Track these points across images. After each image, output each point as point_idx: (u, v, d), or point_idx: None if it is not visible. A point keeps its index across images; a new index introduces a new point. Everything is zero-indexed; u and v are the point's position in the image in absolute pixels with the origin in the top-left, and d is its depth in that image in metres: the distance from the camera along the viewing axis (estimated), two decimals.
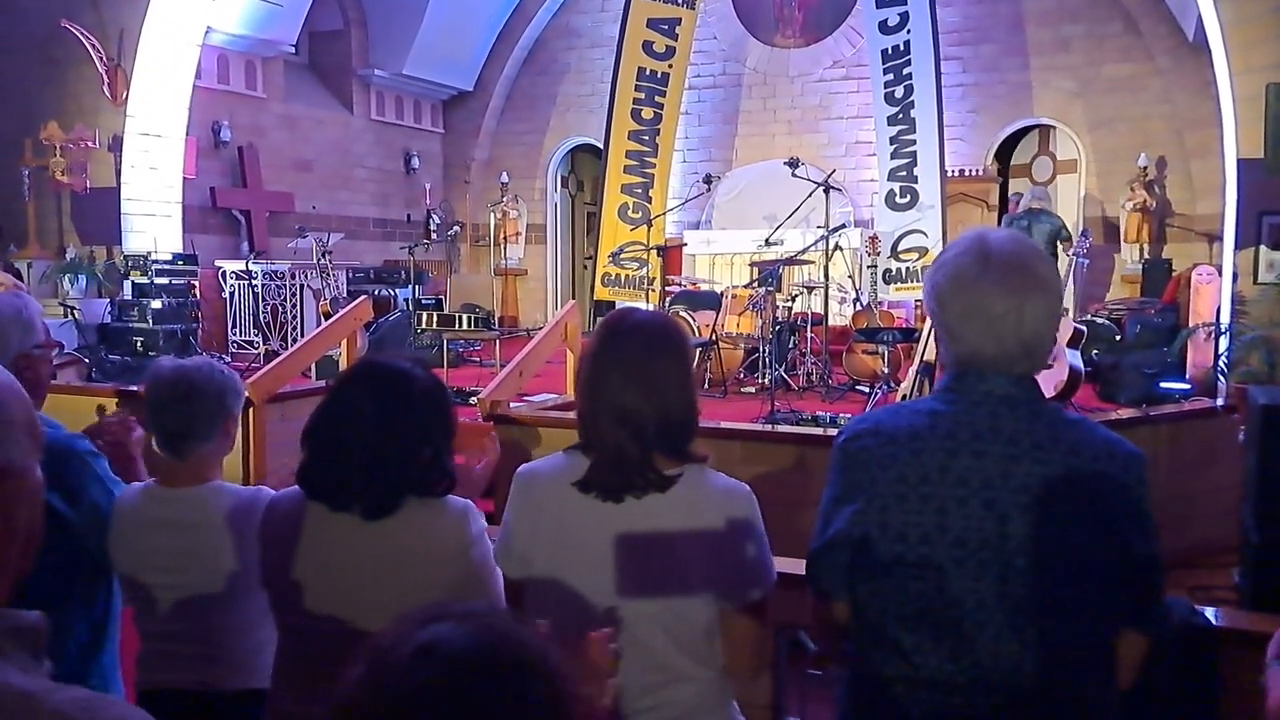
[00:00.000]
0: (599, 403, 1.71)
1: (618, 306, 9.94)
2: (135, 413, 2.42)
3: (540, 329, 7.10)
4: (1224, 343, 5.96)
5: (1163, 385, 6.50)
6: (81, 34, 8.54)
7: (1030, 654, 1.47)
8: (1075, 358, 6.47)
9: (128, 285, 8.43)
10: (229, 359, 8.74)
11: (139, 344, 7.89)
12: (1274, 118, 4.39)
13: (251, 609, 2.21)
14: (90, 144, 8.51)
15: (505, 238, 12.21)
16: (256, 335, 9.08)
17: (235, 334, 9.31)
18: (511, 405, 5.39)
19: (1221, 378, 5.90)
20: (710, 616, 1.71)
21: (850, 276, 9.03)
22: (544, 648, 0.88)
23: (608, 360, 1.73)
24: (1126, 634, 1.54)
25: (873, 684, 1.60)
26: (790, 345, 8.03)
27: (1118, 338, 7.94)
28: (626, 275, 10.24)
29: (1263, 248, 5.86)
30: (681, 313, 8.00)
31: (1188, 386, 6.41)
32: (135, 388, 5.25)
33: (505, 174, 12.33)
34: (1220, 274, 6.65)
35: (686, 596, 1.67)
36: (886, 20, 9.54)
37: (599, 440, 1.71)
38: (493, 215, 11.77)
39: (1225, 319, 6.04)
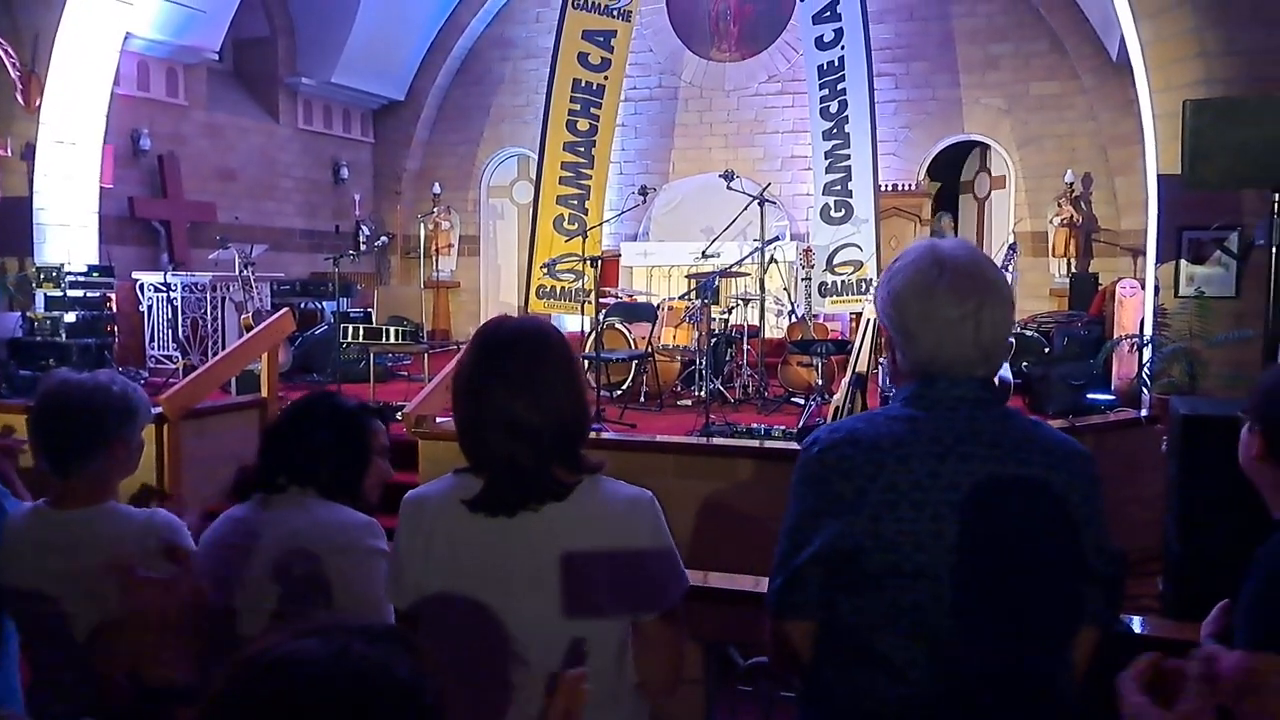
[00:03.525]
0: (484, 416, 1.64)
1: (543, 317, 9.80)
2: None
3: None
4: (1147, 354, 6.06)
5: (1089, 396, 6.61)
6: None
7: (1017, 658, 1.48)
8: (1005, 369, 6.56)
9: (40, 298, 8.13)
10: (146, 374, 8.47)
11: (51, 359, 7.61)
12: (1191, 134, 4.47)
13: None
14: (2, 152, 8.18)
15: (437, 249, 12.04)
16: (175, 349, 8.80)
17: (153, 348, 9.02)
18: (438, 420, 5.28)
19: (1145, 389, 5.99)
20: (622, 635, 1.65)
21: (786, 289, 9.06)
22: (412, 675, 0.87)
23: (488, 371, 1.66)
24: (1086, 630, 1.56)
25: (857, 705, 1.53)
26: (727, 357, 8.02)
27: (1046, 350, 8.06)
28: (562, 287, 10.17)
29: (1183, 262, 5.96)
30: (617, 324, 7.94)
31: (1112, 398, 6.52)
32: None
33: (437, 184, 12.18)
34: (1143, 287, 6.78)
35: (600, 616, 1.61)
36: (822, 36, 9.62)
37: (487, 455, 1.64)
38: (424, 226, 11.59)
39: (1149, 331, 6.14)
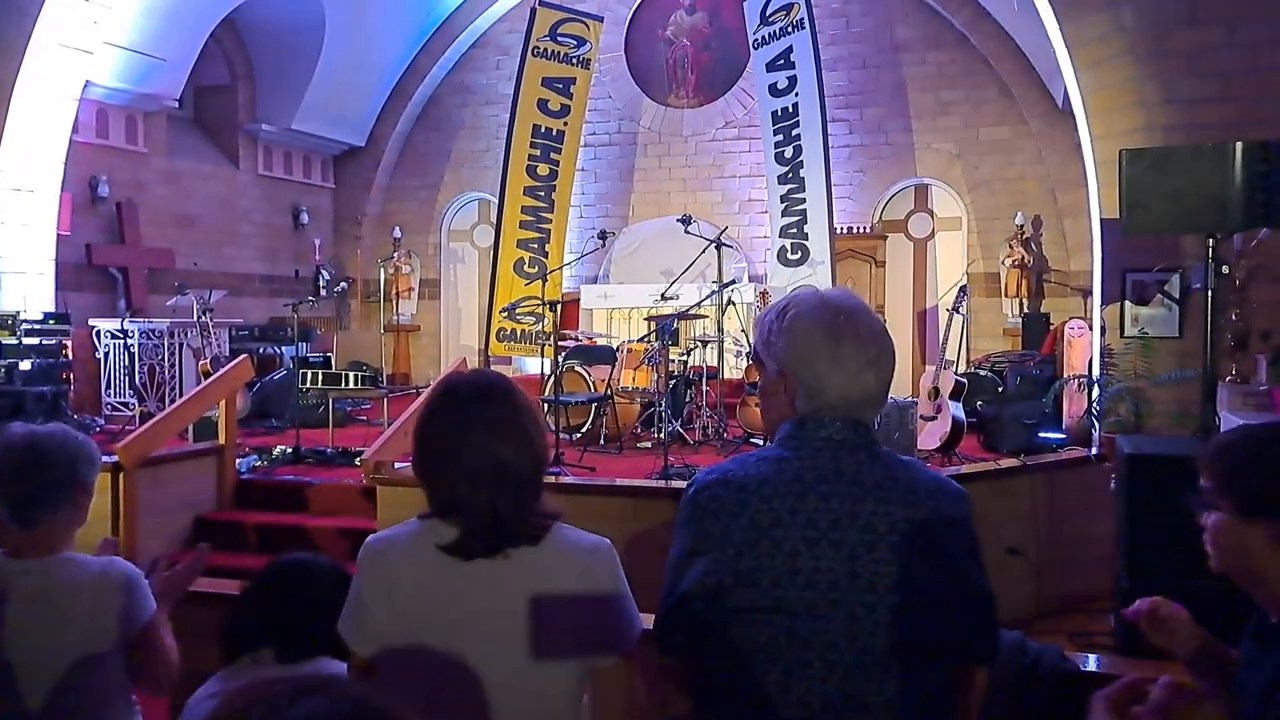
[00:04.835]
0: (466, 462, 1.67)
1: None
2: None
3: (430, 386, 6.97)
4: (1095, 394, 6.19)
5: (1041, 435, 6.74)
6: None
7: (882, 693, 1.49)
8: (958, 409, 6.67)
9: None
10: (102, 421, 8.37)
11: (6, 407, 7.51)
12: (1127, 181, 4.62)
13: (102, 687, 2.11)
14: None
15: (397, 293, 12.05)
16: (132, 396, 8.71)
17: (110, 395, 8.92)
18: (396, 466, 5.27)
19: (1094, 428, 6.12)
20: (581, 679, 1.69)
21: (744, 331, 9.17)
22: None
23: (469, 418, 1.70)
24: (968, 669, 1.60)
25: None
26: (686, 399, 8.08)
27: (1000, 389, 8.21)
28: (522, 330, 10.22)
29: (1127, 303, 6.12)
30: (576, 367, 7.99)
31: (1063, 436, 6.65)
32: None
33: (398, 229, 12.21)
34: (1091, 328, 6.95)
35: (565, 659, 1.65)
36: (776, 83, 9.83)
37: (466, 501, 1.67)
38: (383, 270, 11.61)
39: (1096, 371, 6.28)
